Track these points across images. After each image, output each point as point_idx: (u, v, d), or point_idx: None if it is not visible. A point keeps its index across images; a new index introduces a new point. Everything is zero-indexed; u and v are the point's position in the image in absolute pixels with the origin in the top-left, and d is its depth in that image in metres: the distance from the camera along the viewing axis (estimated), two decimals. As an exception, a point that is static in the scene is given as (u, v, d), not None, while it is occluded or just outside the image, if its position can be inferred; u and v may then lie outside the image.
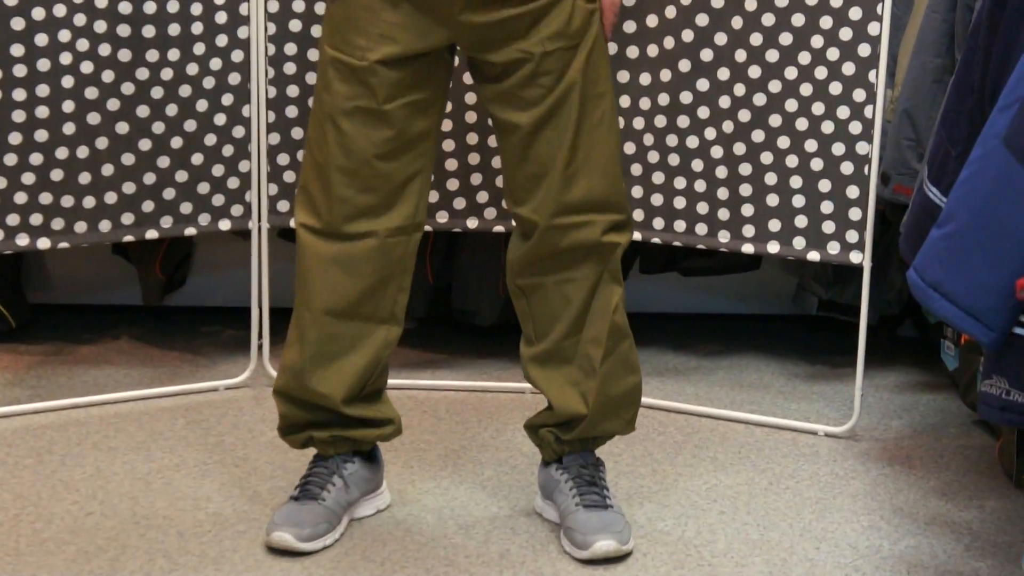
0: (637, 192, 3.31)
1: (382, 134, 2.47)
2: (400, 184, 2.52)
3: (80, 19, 3.11)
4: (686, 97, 3.21)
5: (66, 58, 3.11)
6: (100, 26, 3.14)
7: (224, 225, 3.37)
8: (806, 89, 3.11)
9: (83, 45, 3.13)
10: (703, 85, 3.19)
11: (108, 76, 3.17)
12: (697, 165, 3.23)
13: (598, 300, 2.59)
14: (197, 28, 3.24)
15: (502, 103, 2.52)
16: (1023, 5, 2.17)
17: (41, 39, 3.09)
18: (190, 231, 3.34)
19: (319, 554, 2.52)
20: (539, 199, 2.50)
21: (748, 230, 3.22)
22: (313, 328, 2.57)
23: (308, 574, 2.45)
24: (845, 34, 3.05)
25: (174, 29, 3.21)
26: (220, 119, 3.30)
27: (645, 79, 3.26)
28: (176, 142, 3.26)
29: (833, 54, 3.07)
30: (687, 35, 3.20)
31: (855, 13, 3.04)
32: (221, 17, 3.27)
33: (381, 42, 2.46)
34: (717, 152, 3.21)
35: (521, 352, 2.69)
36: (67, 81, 3.13)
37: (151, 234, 3.29)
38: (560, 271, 2.58)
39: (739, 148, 3.19)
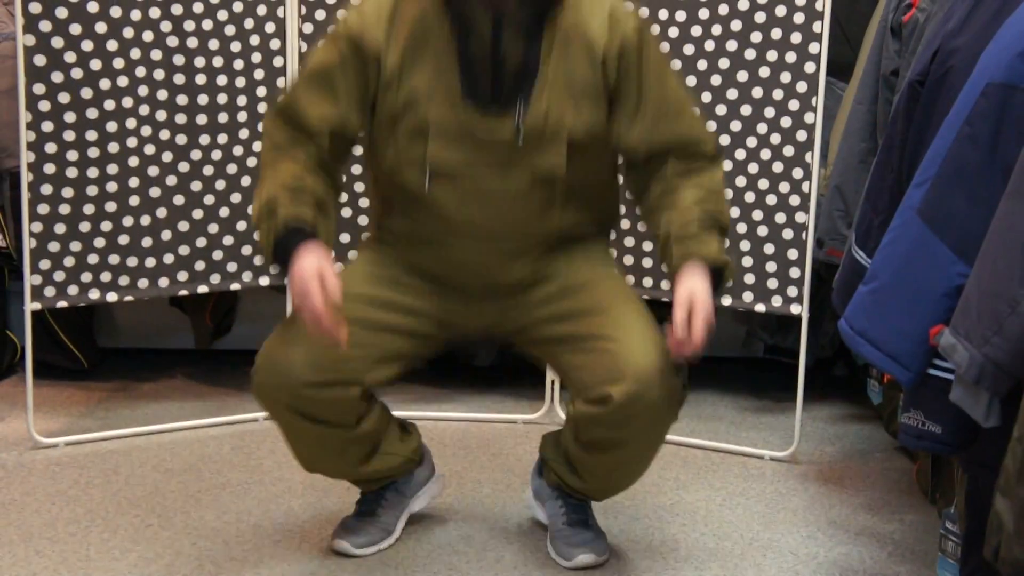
0: (611, 253, 3.32)
1: None
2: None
3: (144, 109, 3.13)
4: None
5: (132, 142, 3.13)
6: (161, 115, 3.16)
7: (264, 281, 3.38)
8: (753, 168, 3.13)
9: (147, 131, 3.14)
10: None
11: (167, 157, 3.18)
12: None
13: None
14: (242, 116, 3.26)
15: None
16: (932, 100, 2.17)
17: (111, 126, 3.10)
18: (235, 286, 3.35)
19: (344, 558, 2.53)
20: None
21: None
22: None
23: (331, 574, 2.46)
24: (785, 122, 3.07)
25: (223, 117, 3.23)
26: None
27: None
28: (224, 211, 3.27)
29: (775, 139, 3.09)
30: None
31: (794, 105, 3.06)
32: (262, 107, 3.28)
33: None
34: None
35: None
36: (133, 161, 3.14)
37: (202, 289, 3.30)
38: None
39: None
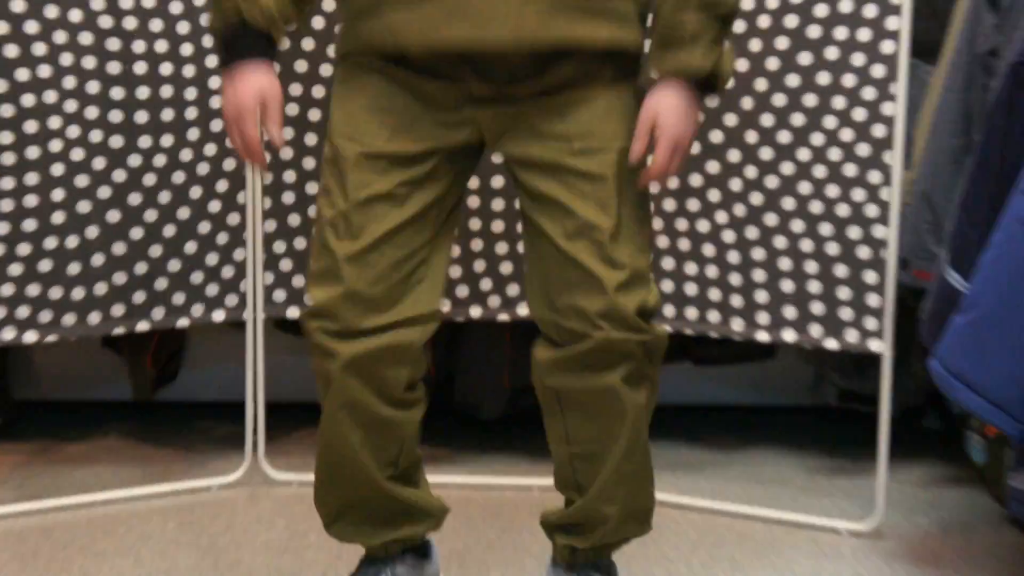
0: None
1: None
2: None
3: (71, 105, 3.15)
4: (696, 180, 3.23)
5: (56, 145, 3.14)
6: (92, 112, 3.18)
7: (218, 316, 3.38)
8: (820, 171, 3.13)
9: (74, 132, 3.16)
10: (713, 167, 3.22)
11: (100, 163, 3.20)
12: (708, 250, 3.25)
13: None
14: (191, 113, 3.28)
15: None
16: None
17: (31, 126, 3.12)
18: (183, 322, 3.35)
19: None
20: None
21: (763, 317, 3.23)
22: None
23: None
24: (859, 114, 3.08)
25: (168, 114, 3.25)
26: (215, 206, 3.33)
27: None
28: (169, 230, 3.28)
29: (847, 135, 3.09)
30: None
31: (869, 93, 3.06)
32: (215, 102, 3.31)
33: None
34: (729, 236, 3.23)
35: None
36: (57, 169, 3.15)
37: (142, 326, 3.30)
38: None
39: (751, 232, 3.21)
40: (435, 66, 2.42)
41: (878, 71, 3.05)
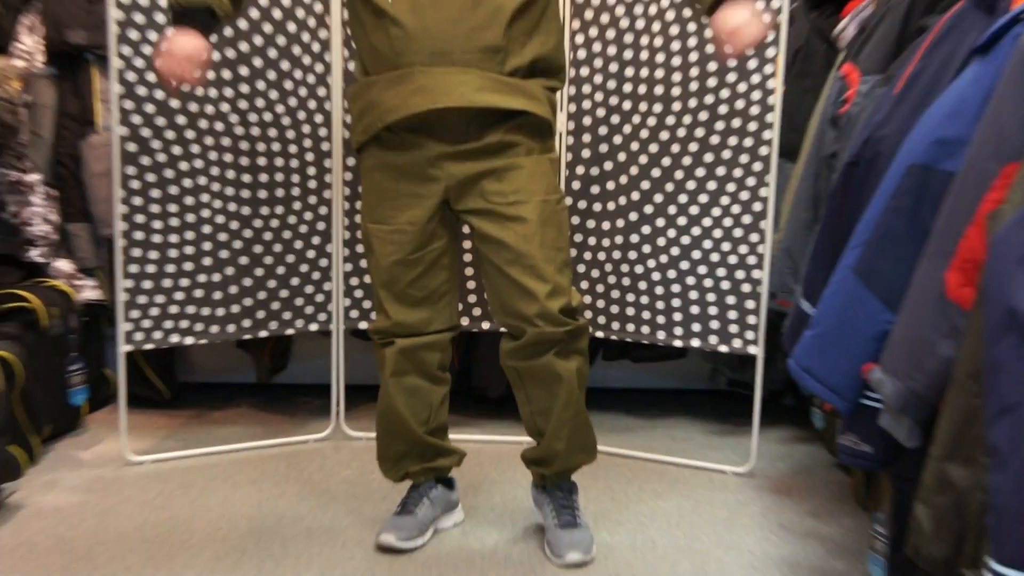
0: (600, 303, 3.32)
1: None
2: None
3: (215, 186, 3.16)
4: (634, 238, 3.22)
5: (206, 213, 3.16)
6: (229, 191, 3.19)
7: (313, 327, 3.39)
8: (718, 233, 3.13)
9: (217, 204, 3.17)
10: (646, 230, 3.21)
11: (234, 225, 3.21)
12: (642, 285, 3.24)
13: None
14: (295, 192, 3.27)
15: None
16: (864, 179, 2.17)
17: (189, 200, 3.13)
18: (290, 331, 3.36)
19: (379, 554, 2.53)
20: None
21: (678, 330, 3.22)
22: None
23: (369, 567, 2.44)
24: (744, 195, 3.08)
25: (279, 192, 3.24)
26: (311, 253, 3.34)
27: (606, 225, 3.26)
28: (280, 270, 3.30)
29: (736, 209, 3.09)
30: (635, 195, 3.20)
31: (751, 181, 3.06)
32: (312, 184, 3.30)
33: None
34: (656, 276, 3.22)
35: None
36: (206, 229, 3.16)
37: (263, 333, 3.32)
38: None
39: (671, 273, 3.20)
40: (405, 141, 2.39)
41: (757, 167, 3.06)
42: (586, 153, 3.26)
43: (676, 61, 3.12)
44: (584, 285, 3.35)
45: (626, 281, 3.28)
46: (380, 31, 2.33)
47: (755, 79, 3.05)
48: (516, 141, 2.39)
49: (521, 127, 2.39)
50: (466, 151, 2.38)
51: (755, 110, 3.06)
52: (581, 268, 3.34)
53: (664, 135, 3.16)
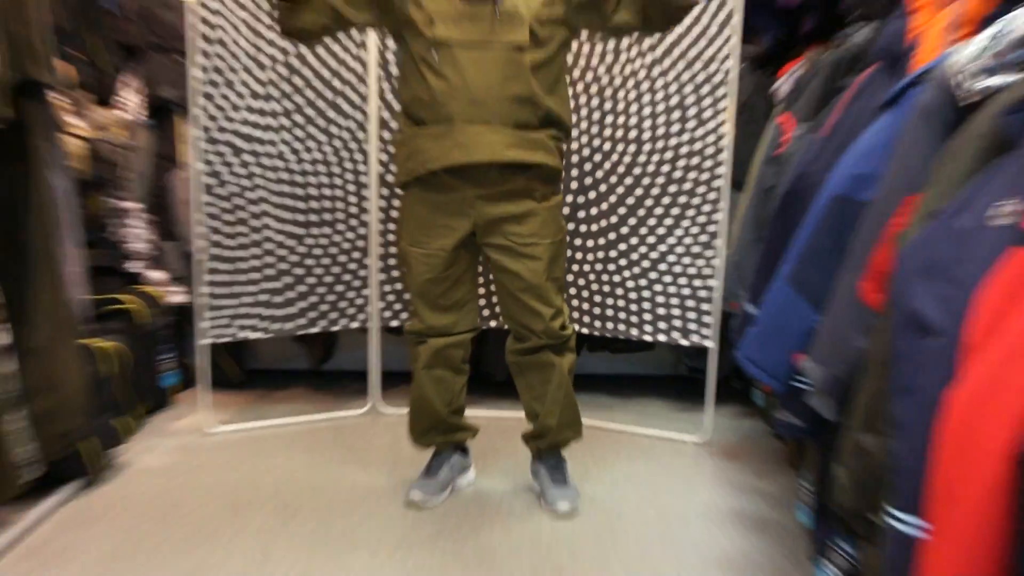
0: (586, 305, 3.30)
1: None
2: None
3: (275, 211, 3.16)
4: (613, 253, 3.22)
5: (268, 233, 3.16)
6: (285, 215, 3.17)
7: (354, 324, 3.38)
8: (681, 249, 3.12)
9: (276, 225, 3.16)
10: (623, 246, 3.19)
11: (291, 242, 3.20)
12: (620, 290, 3.24)
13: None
14: (340, 215, 3.26)
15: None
16: (797, 206, 2.16)
17: (254, 223, 3.13)
18: (335, 328, 3.36)
19: (408, 508, 2.53)
20: None
21: (648, 327, 3.22)
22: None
23: (400, 517, 2.45)
24: (701, 219, 3.08)
25: (327, 216, 3.23)
26: (352, 266, 3.33)
27: (590, 243, 3.25)
28: (328, 279, 3.29)
29: (695, 230, 3.09)
30: (613, 219, 3.19)
31: (707, 207, 3.06)
32: (353, 210, 3.28)
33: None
34: (631, 283, 3.21)
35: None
36: (268, 246, 3.16)
37: (313, 329, 3.32)
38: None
39: (643, 281, 3.19)
40: (444, 183, 2.37)
41: (712, 196, 3.06)
42: (575, 184, 3.27)
43: (647, 111, 3.13)
44: (573, 291, 3.35)
45: (607, 287, 3.28)
46: (427, 84, 2.31)
47: (710, 125, 3.05)
48: (533, 187, 2.39)
49: (538, 176, 2.40)
50: (494, 194, 2.37)
51: (710, 150, 3.06)
52: (571, 277, 3.34)
53: (637, 170, 3.16)
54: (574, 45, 3.16)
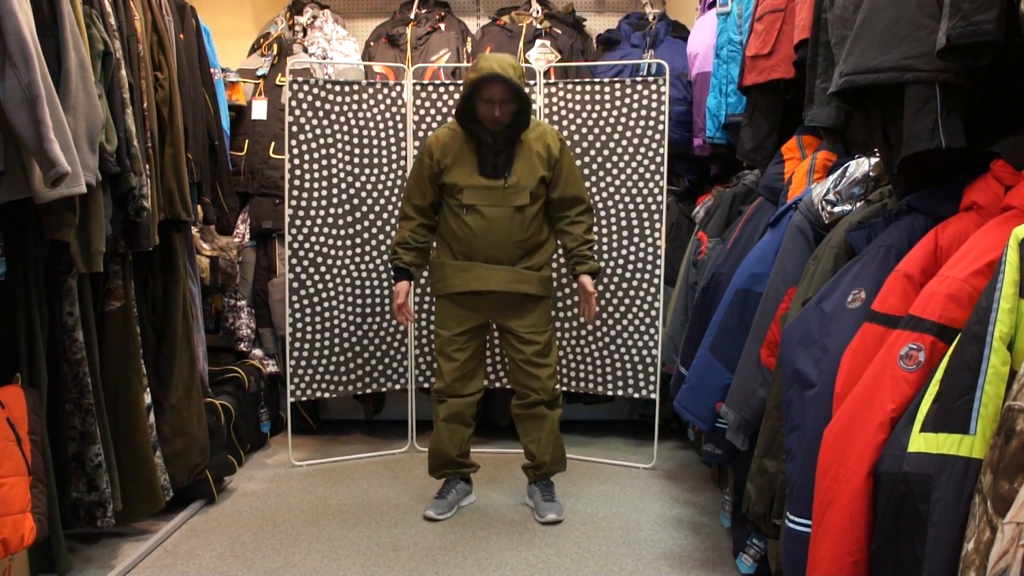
0: (565, 369, 3.24)
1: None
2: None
3: (342, 306, 3.10)
4: (583, 332, 3.15)
5: (336, 322, 3.10)
6: (350, 309, 3.12)
7: (397, 386, 3.30)
8: (631, 328, 3.08)
9: (342, 316, 3.09)
10: (590, 327, 3.14)
11: (352, 328, 3.13)
12: (588, 359, 3.17)
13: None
14: (387, 311, 3.20)
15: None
16: (712, 297, 2.14)
17: (327, 314, 3.08)
18: (383, 389, 3.28)
19: (426, 522, 2.48)
20: None
21: (608, 386, 3.16)
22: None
23: (420, 527, 2.40)
24: (645, 306, 3.04)
25: (379, 308, 3.16)
26: (396, 344, 3.25)
27: (567, 325, 3.20)
28: (378, 353, 3.21)
29: (641, 314, 3.06)
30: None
31: (649, 296, 3.04)
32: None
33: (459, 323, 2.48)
34: (596, 354, 3.15)
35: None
36: (336, 330, 3.11)
37: (367, 390, 3.25)
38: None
39: (606, 352, 3.13)
40: (465, 299, 2.44)
41: (652, 289, 3.05)
42: (556, 287, 3.27)
43: (604, 232, 3.14)
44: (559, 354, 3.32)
45: (580, 356, 3.24)
46: (460, 222, 2.44)
47: (649, 240, 3.07)
48: (530, 299, 2.49)
49: (532, 294, 2.48)
50: (501, 305, 2.48)
51: (650, 258, 3.06)
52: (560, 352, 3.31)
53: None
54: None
